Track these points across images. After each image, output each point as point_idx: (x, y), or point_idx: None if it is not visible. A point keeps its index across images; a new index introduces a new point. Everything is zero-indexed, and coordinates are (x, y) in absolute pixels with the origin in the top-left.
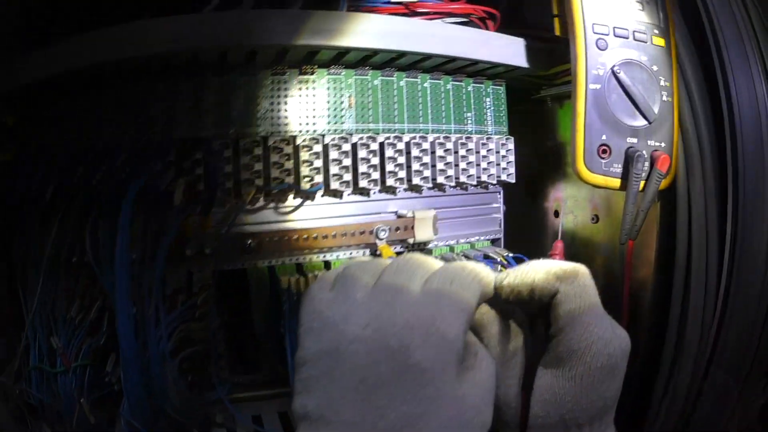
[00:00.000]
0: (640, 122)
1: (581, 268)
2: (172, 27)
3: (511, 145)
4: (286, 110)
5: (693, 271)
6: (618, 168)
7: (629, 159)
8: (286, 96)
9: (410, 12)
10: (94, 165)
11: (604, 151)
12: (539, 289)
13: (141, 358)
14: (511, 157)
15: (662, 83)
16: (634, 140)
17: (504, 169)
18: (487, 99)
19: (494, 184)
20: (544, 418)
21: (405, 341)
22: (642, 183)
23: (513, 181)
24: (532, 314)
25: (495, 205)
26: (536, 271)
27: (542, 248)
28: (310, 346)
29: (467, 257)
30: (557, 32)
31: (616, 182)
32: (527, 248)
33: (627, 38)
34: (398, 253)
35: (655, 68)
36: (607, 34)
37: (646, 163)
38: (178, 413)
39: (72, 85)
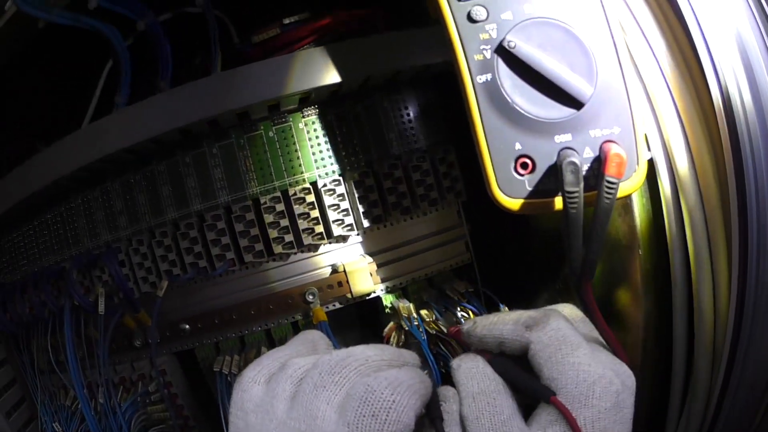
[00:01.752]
0: (567, 110)
1: (552, 312)
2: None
3: (452, 157)
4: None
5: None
6: (551, 183)
7: (558, 168)
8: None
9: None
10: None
11: (525, 165)
12: (509, 342)
13: None
14: (456, 171)
15: (592, 39)
16: (567, 137)
17: (449, 187)
18: (407, 110)
19: (439, 203)
20: None
21: None
22: (588, 196)
23: (464, 198)
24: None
25: (453, 225)
26: (504, 323)
27: (529, 272)
28: None
29: (421, 301)
30: (431, 14)
31: (555, 203)
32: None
33: None
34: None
35: (573, 20)
36: None
37: (585, 167)
38: None
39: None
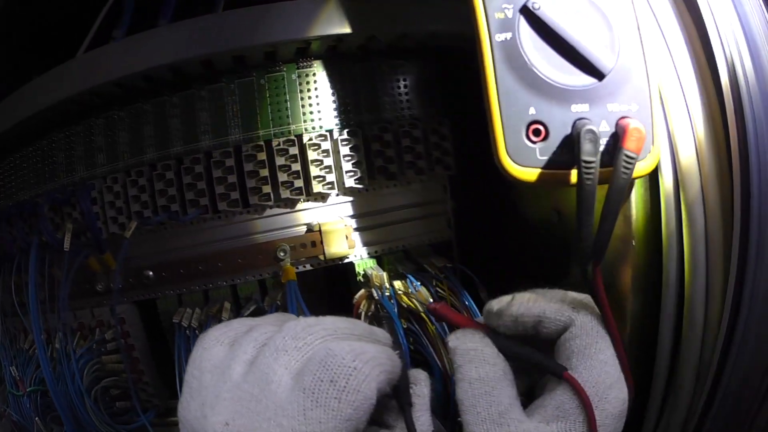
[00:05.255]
0: (587, 79)
1: (591, 299)
2: None
3: (446, 130)
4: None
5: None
6: (564, 154)
7: (575, 138)
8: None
9: None
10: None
11: (537, 132)
12: (550, 321)
13: (64, 392)
14: (447, 144)
15: (616, 15)
16: (584, 107)
17: (438, 158)
18: (406, 78)
19: (426, 174)
20: None
21: None
22: (603, 172)
23: (453, 172)
24: None
25: (437, 200)
26: (546, 300)
27: (511, 260)
28: (183, 407)
29: (396, 273)
30: None
31: (566, 175)
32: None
33: None
34: (312, 273)
35: None
36: None
37: (603, 141)
38: None
39: None
